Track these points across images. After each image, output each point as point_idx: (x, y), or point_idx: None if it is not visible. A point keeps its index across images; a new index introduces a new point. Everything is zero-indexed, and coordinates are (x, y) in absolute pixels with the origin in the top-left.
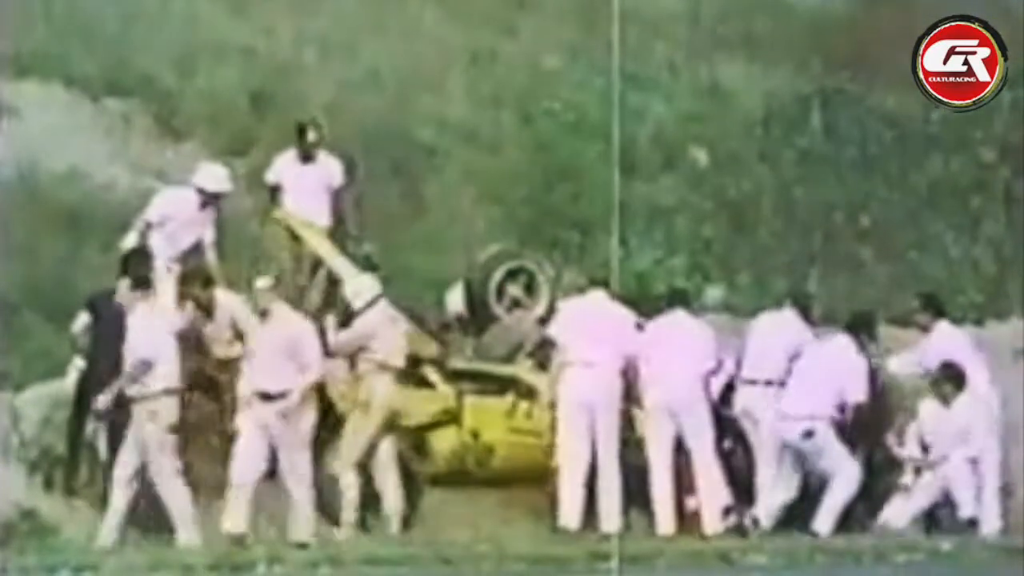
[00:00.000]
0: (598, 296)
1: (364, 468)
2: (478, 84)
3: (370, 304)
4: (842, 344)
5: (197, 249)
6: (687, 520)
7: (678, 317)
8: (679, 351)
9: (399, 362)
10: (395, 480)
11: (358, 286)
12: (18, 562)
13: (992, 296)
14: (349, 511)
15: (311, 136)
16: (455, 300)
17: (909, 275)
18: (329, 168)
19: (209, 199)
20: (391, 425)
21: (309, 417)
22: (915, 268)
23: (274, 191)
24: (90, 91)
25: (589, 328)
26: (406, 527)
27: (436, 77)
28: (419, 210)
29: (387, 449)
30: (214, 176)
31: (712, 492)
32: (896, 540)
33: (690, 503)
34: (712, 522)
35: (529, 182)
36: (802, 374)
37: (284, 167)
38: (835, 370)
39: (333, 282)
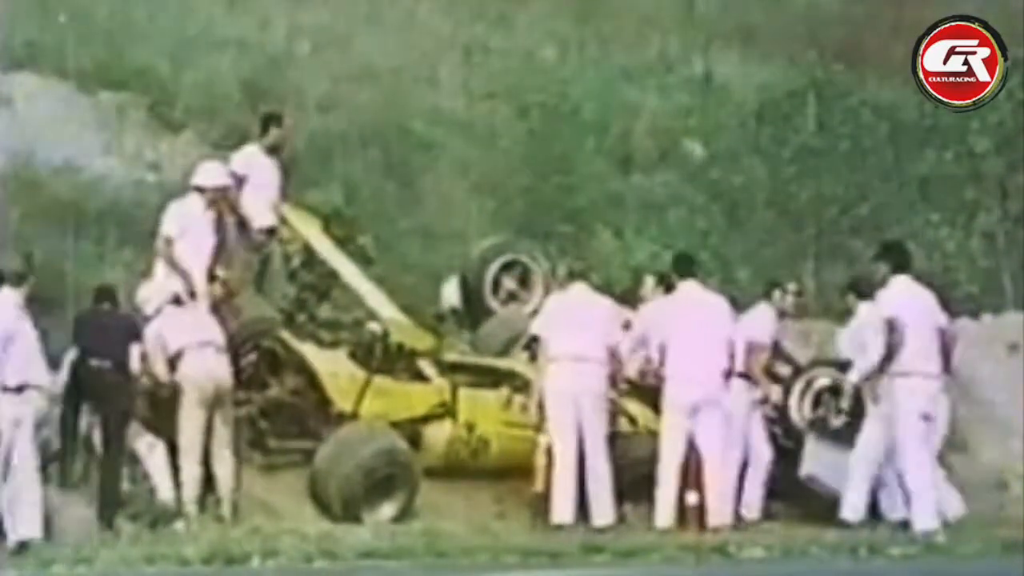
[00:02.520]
0: (580, 288)
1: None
2: (472, 77)
3: (159, 310)
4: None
5: (221, 249)
6: (686, 514)
7: (697, 296)
8: (702, 344)
9: (203, 336)
10: (228, 463)
11: (148, 292)
12: (13, 556)
13: (987, 289)
14: (190, 500)
15: (282, 129)
16: (451, 293)
17: None
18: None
19: (213, 196)
20: (217, 402)
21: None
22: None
23: (240, 182)
24: (84, 83)
25: (573, 322)
26: (400, 520)
27: (430, 70)
28: (414, 203)
29: (221, 432)
30: (210, 171)
31: (720, 487)
32: (891, 534)
33: (690, 498)
34: (717, 517)
35: (523, 174)
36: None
37: (251, 159)
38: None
39: (323, 275)
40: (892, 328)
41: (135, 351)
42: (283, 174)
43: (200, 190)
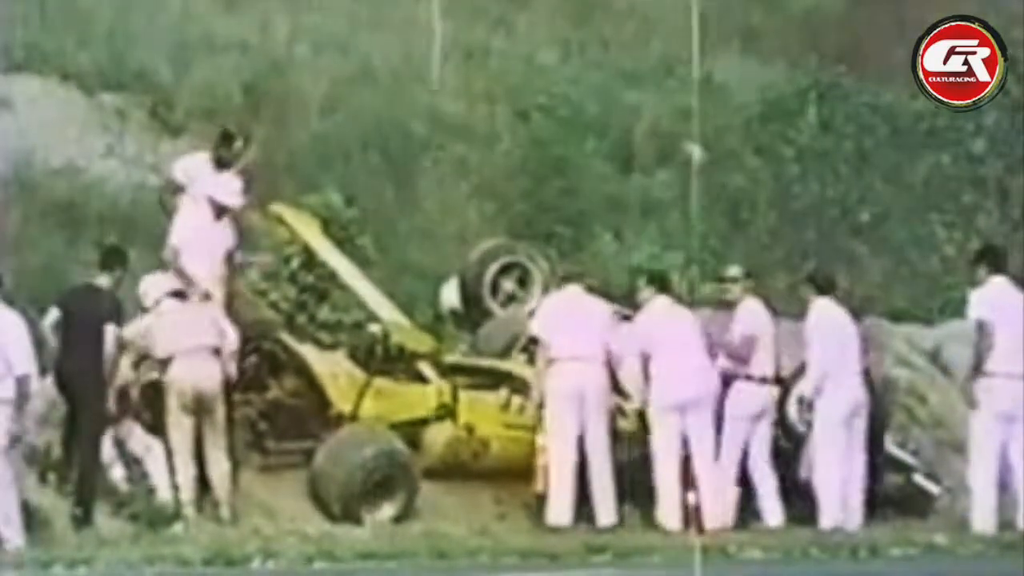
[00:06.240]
0: (574, 290)
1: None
2: (472, 79)
3: (157, 302)
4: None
5: (228, 261)
6: (687, 515)
7: (671, 308)
8: (684, 345)
9: (193, 341)
10: (221, 466)
11: (147, 284)
12: (12, 556)
13: None
14: (187, 502)
15: (235, 146)
16: (450, 295)
17: (904, 270)
18: (237, 182)
19: (222, 210)
20: (200, 407)
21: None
22: (910, 263)
23: (176, 189)
24: (85, 85)
25: (570, 322)
26: (400, 521)
27: (430, 72)
28: (413, 204)
29: (211, 436)
30: (227, 188)
31: (714, 487)
32: (891, 535)
33: (689, 498)
34: (713, 517)
35: (523, 177)
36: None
37: (196, 168)
38: None
39: (321, 276)
40: (982, 330)
41: (110, 331)
42: (241, 187)
43: (213, 203)
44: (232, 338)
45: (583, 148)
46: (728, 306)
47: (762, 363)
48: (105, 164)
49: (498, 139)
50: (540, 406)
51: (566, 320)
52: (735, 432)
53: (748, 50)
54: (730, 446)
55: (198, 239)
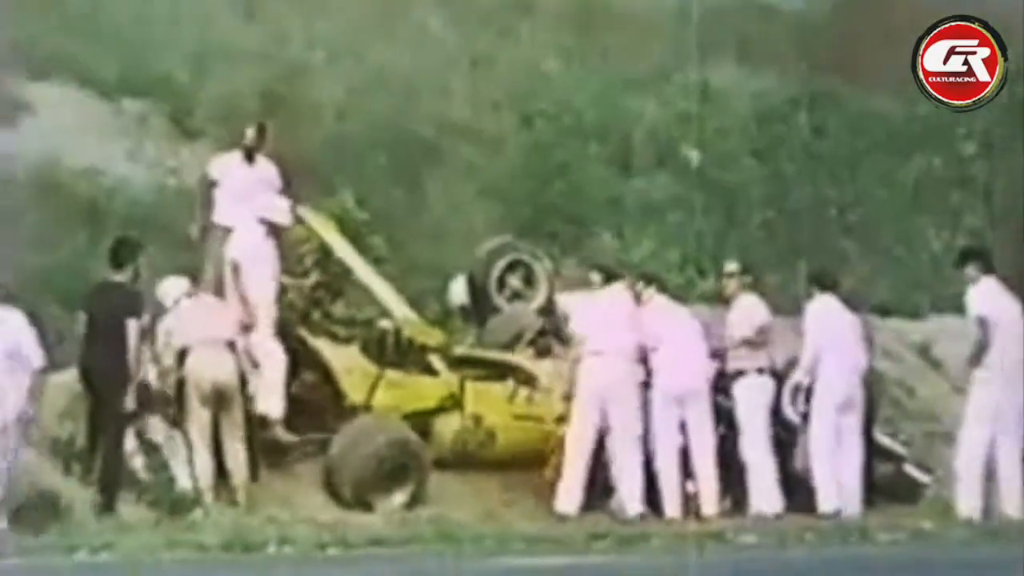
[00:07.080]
0: (617, 288)
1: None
2: (479, 86)
3: (177, 302)
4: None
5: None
6: (685, 503)
7: (669, 305)
8: (685, 338)
9: (208, 333)
10: (239, 456)
11: (167, 287)
12: (37, 542)
13: None
14: (205, 490)
15: (249, 135)
16: (458, 291)
17: (892, 267)
18: (271, 169)
19: (272, 230)
20: (219, 399)
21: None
22: (899, 260)
23: (211, 184)
24: (106, 91)
25: (606, 320)
26: (410, 508)
27: (439, 80)
28: (423, 206)
29: (229, 426)
30: (279, 209)
31: (710, 476)
32: (881, 521)
33: (688, 487)
34: (710, 505)
35: (527, 179)
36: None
37: (228, 164)
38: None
39: (337, 274)
40: (983, 326)
41: (132, 326)
42: (277, 180)
43: (265, 223)
44: (271, 349)
45: (585, 152)
46: (725, 301)
47: (766, 354)
48: (126, 167)
49: (503, 143)
50: (567, 398)
51: (605, 317)
52: (758, 423)
53: (743, 58)
54: (762, 436)
55: (253, 258)
